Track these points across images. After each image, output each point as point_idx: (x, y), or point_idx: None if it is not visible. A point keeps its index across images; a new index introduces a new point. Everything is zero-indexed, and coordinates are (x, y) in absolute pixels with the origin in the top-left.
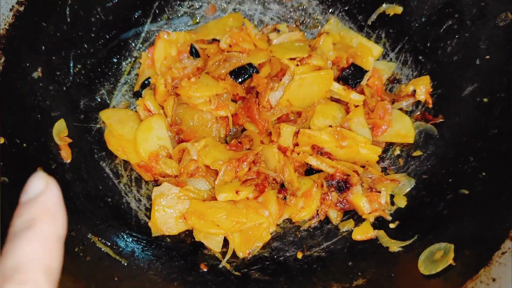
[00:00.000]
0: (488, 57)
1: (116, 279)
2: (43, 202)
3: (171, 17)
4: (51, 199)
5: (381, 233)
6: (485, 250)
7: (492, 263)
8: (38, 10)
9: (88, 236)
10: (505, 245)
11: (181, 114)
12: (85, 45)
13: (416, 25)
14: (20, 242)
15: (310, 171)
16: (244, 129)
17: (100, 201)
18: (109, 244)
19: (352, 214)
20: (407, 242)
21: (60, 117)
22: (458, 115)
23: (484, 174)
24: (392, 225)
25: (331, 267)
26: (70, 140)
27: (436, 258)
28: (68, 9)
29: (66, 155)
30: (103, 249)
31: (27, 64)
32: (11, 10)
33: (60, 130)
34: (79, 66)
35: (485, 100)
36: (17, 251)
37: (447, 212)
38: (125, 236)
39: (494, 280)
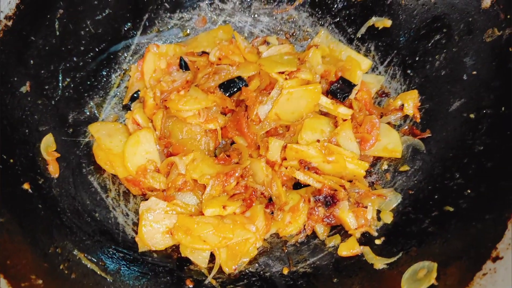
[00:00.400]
0: (475, 72)
1: None
2: None
3: (161, 29)
4: None
5: (366, 249)
6: (467, 270)
7: (473, 284)
8: (27, 24)
9: (74, 253)
10: (486, 266)
11: (170, 127)
12: (75, 58)
13: (405, 38)
14: None
15: (298, 185)
16: (233, 142)
17: (88, 216)
18: (95, 260)
19: (339, 229)
20: (392, 259)
21: (48, 131)
22: (445, 130)
23: (469, 191)
24: (378, 241)
25: (316, 284)
26: (58, 155)
27: (419, 276)
28: (57, 22)
29: (53, 170)
30: (89, 266)
31: (15, 79)
32: None
33: (48, 145)
34: (68, 79)
35: (472, 116)
36: None
37: (432, 229)
38: (112, 252)
39: None
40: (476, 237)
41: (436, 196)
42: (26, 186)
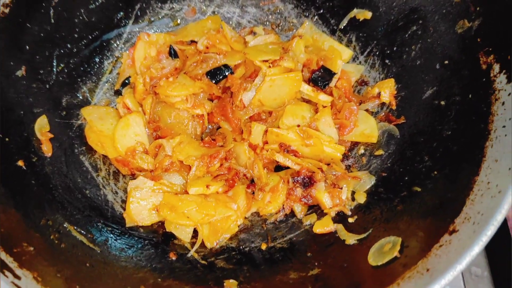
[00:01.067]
0: (447, 62)
1: (88, 265)
2: None
3: (152, 19)
4: None
5: (339, 227)
6: (427, 243)
7: (430, 255)
8: (23, 12)
9: (65, 225)
10: (443, 239)
11: (159, 112)
12: (68, 45)
13: (384, 30)
14: None
15: (279, 168)
16: (219, 127)
17: (78, 193)
18: (84, 232)
19: (316, 209)
20: (362, 236)
21: (43, 113)
22: (418, 116)
23: (436, 173)
24: (351, 220)
25: (292, 258)
26: (51, 135)
27: (385, 250)
28: (52, 10)
29: (47, 149)
30: (78, 237)
31: (11, 63)
32: None
33: (42, 126)
34: (62, 65)
35: (442, 103)
36: None
37: (400, 207)
38: (100, 226)
39: (428, 270)
40: (438, 214)
41: (406, 178)
42: (20, 163)
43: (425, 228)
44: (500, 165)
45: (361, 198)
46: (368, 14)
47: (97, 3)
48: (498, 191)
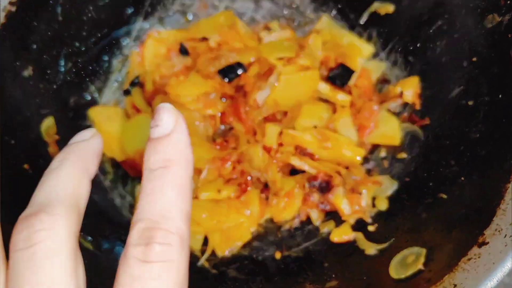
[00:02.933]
0: (475, 59)
1: (93, 272)
2: (176, 143)
3: (162, 15)
4: (183, 139)
5: (359, 235)
6: (454, 256)
7: (457, 269)
8: (30, 10)
9: None
10: (472, 252)
11: None
12: (77, 44)
13: (407, 24)
14: (160, 185)
15: (295, 171)
16: (232, 128)
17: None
18: (90, 239)
19: (334, 216)
20: (383, 245)
21: (50, 114)
22: (444, 118)
23: (463, 179)
24: (371, 228)
25: (307, 268)
26: (58, 137)
27: (408, 262)
28: (59, 8)
29: (53, 151)
30: (83, 244)
31: (18, 63)
32: (3, 10)
33: (49, 127)
34: (70, 64)
35: (470, 103)
36: (160, 196)
37: (424, 216)
38: (107, 232)
39: (455, 286)
40: (466, 224)
41: (431, 184)
42: (26, 166)
43: (451, 239)
44: None
45: (383, 205)
46: (390, 8)
47: (106, 0)
48: None
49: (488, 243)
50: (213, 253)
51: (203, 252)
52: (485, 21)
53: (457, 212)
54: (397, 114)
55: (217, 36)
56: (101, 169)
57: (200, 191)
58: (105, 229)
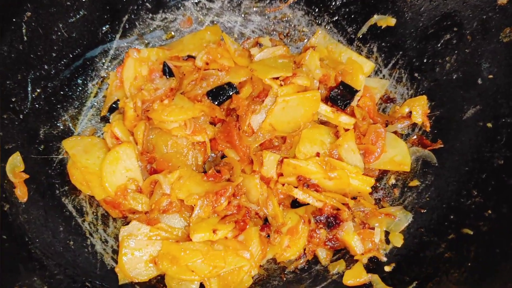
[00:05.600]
0: (491, 76)
1: None
2: None
3: (142, 32)
4: None
5: (375, 278)
6: None
7: None
8: None
9: None
10: None
11: (154, 140)
12: (45, 66)
13: (412, 38)
14: None
15: (296, 202)
16: (224, 155)
17: (60, 245)
18: None
19: (343, 254)
20: None
21: (16, 149)
22: (459, 140)
23: (490, 212)
24: (387, 268)
25: None
26: (26, 176)
27: None
28: (24, 26)
29: (21, 193)
30: None
31: None
32: None
33: (15, 165)
34: (38, 90)
35: (489, 125)
36: None
37: (449, 255)
38: (87, 287)
39: None
40: (501, 266)
41: (451, 216)
42: None
43: (486, 285)
44: None
45: (398, 241)
46: (391, 21)
47: (78, 16)
48: None
49: None
50: None
51: None
52: (501, 35)
53: (488, 252)
54: (405, 137)
55: (203, 54)
56: (78, 209)
57: (193, 232)
58: (84, 284)
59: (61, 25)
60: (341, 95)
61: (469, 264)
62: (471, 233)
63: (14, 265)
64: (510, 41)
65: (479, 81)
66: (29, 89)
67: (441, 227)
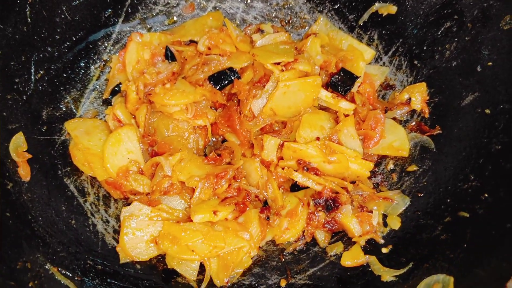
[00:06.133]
0: (490, 63)
1: None
2: None
3: (145, 16)
4: None
5: (372, 259)
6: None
7: None
8: None
9: (46, 267)
10: (510, 285)
11: (155, 123)
12: (49, 48)
13: (412, 26)
14: None
15: (296, 186)
16: (224, 140)
17: (63, 224)
18: (70, 275)
19: (341, 236)
20: (401, 271)
21: (19, 130)
22: (457, 126)
23: (486, 195)
24: (384, 250)
25: None
26: (29, 156)
27: None
28: (28, 8)
29: (24, 173)
30: (63, 282)
31: None
32: None
33: (18, 145)
34: (41, 71)
35: (487, 111)
36: None
37: (445, 237)
38: (89, 265)
39: None
40: (497, 249)
41: (448, 200)
42: None
43: (484, 265)
44: None
45: (395, 223)
46: (392, 9)
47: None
48: None
49: None
50: (210, 283)
51: (199, 282)
52: (501, 22)
53: (484, 233)
54: (404, 123)
55: (206, 39)
56: (80, 190)
57: (194, 213)
58: (86, 261)
59: (64, 8)
60: (341, 81)
61: (465, 245)
62: (467, 215)
63: (18, 242)
64: (510, 28)
65: (478, 68)
66: (32, 70)
67: (437, 210)
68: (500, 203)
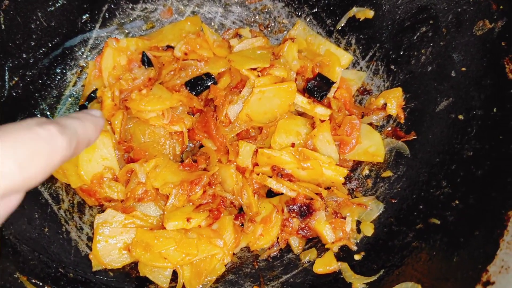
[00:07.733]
0: (464, 69)
1: None
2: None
3: (123, 22)
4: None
5: (344, 266)
6: None
7: None
8: None
9: (15, 276)
10: None
11: (131, 129)
12: (24, 55)
13: (388, 31)
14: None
15: (272, 192)
16: (202, 145)
17: (35, 232)
18: (40, 284)
19: (315, 242)
20: (372, 278)
21: None
22: (432, 132)
23: (457, 202)
24: (357, 257)
25: None
26: None
27: None
28: (2, 15)
29: None
30: None
31: None
32: None
33: None
34: (16, 78)
35: (460, 117)
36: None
37: (416, 244)
38: (61, 273)
39: None
40: (464, 257)
41: (421, 207)
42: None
43: (449, 274)
44: None
45: (368, 230)
46: (369, 13)
47: (57, 5)
48: None
49: (494, 283)
50: None
51: None
52: (474, 28)
53: (454, 241)
54: (379, 128)
55: (183, 45)
56: (54, 197)
57: (167, 220)
58: (58, 270)
59: (40, 14)
60: (317, 87)
61: (434, 252)
62: (438, 222)
63: None
64: (483, 34)
65: (453, 74)
66: (6, 77)
67: (410, 216)
68: (469, 210)
